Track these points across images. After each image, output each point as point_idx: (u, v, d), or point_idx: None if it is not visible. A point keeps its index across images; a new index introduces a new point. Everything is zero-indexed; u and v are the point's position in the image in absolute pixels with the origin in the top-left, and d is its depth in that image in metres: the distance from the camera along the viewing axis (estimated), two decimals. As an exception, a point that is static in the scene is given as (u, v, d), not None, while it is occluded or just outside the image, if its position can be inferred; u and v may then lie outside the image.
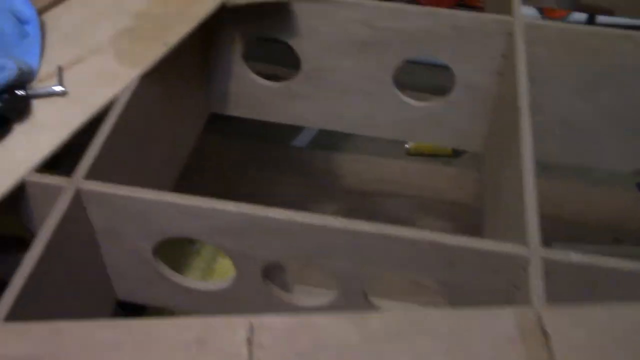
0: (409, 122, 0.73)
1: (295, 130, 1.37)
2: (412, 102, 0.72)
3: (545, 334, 0.37)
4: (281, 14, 0.66)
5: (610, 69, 0.64)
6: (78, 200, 0.48)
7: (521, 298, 0.45)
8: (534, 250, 0.45)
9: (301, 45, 0.68)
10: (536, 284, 0.43)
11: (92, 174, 0.49)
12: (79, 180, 0.48)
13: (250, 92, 0.74)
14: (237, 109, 0.76)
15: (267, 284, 0.54)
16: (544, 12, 1.44)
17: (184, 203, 0.47)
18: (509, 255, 0.45)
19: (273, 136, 1.24)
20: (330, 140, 1.32)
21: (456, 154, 1.35)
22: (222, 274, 0.81)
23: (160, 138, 0.63)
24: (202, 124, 0.75)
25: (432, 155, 1.36)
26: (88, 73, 0.56)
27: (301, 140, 1.39)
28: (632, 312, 0.39)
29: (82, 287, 0.53)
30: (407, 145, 1.33)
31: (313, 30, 0.67)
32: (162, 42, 0.59)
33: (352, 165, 1.20)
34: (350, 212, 1.19)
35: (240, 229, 0.48)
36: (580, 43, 0.63)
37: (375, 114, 0.73)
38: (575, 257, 0.44)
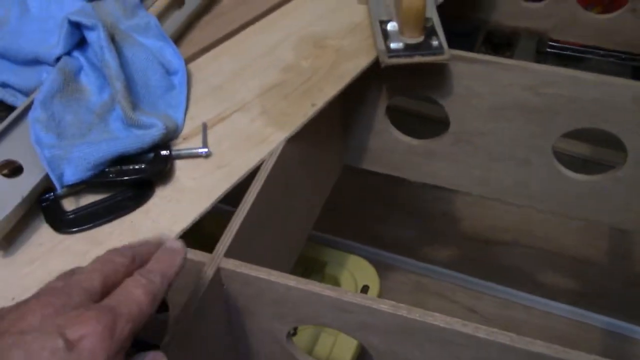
0: (566, 196, 0.65)
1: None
2: (573, 175, 0.64)
3: None
4: (436, 74, 0.60)
5: None
6: (217, 277, 0.45)
7: None
8: None
9: (454, 107, 0.62)
10: None
11: (232, 250, 0.46)
12: (220, 257, 0.45)
13: (388, 148, 0.69)
14: (373, 163, 0.71)
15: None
16: None
17: (335, 296, 0.43)
18: None
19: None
20: None
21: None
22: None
23: (299, 201, 0.59)
24: (335, 178, 0.70)
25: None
26: (233, 133, 0.53)
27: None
28: None
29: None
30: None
31: (470, 92, 0.61)
32: (311, 102, 0.55)
33: (470, 209, 1.13)
34: (468, 260, 1.12)
35: (392, 330, 0.43)
36: None
37: (529, 183, 0.66)
38: None
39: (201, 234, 0.49)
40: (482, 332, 0.40)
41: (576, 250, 1.06)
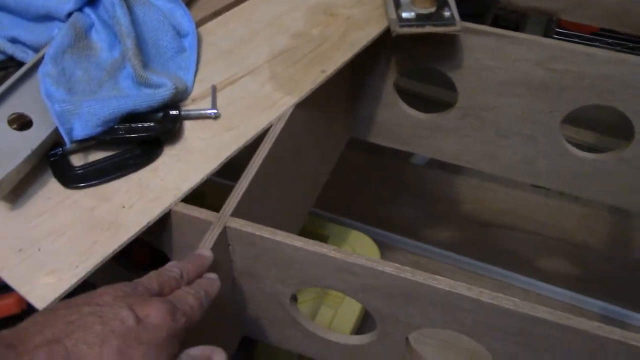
0: (573, 174, 0.65)
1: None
2: (580, 153, 0.64)
3: None
4: (446, 46, 0.60)
5: None
6: (224, 236, 0.45)
7: None
8: None
9: (463, 80, 0.62)
10: None
11: (239, 210, 0.46)
12: (227, 217, 0.45)
13: (396, 121, 0.69)
14: (380, 136, 0.71)
15: (409, 351, 0.48)
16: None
17: (340, 258, 0.43)
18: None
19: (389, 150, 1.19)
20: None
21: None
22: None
23: (305, 167, 0.59)
24: (342, 148, 0.70)
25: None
26: (242, 96, 0.53)
27: (420, 158, 1.33)
28: None
29: (212, 320, 0.50)
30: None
31: (479, 65, 0.61)
32: (320, 69, 0.55)
33: (473, 192, 1.13)
34: (468, 243, 1.12)
35: (396, 293, 0.43)
36: None
37: (536, 160, 0.66)
38: None
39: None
40: (486, 296, 0.41)
41: (576, 236, 1.06)
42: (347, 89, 0.67)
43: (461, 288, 0.41)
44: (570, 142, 0.64)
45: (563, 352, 0.41)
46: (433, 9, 0.57)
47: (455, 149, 0.69)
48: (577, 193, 0.67)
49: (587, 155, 0.64)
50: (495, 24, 1.26)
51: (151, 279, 0.39)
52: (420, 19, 0.56)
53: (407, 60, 0.64)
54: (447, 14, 0.56)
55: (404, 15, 0.56)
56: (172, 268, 0.41)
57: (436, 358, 0.79)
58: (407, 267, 0.42)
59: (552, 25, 1.23)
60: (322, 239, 0.90)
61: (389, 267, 0.42)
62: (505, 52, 0.59)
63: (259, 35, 0.58)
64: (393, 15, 0.56)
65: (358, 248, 0.89)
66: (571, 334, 0.40)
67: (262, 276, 0.48)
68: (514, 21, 1.26)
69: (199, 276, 0.42)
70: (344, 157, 0.71)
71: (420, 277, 0.42)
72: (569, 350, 0.41)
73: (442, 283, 0.41)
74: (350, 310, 0.80)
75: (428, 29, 0.55)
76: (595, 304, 1.04)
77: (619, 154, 0.62)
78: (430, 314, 0.43)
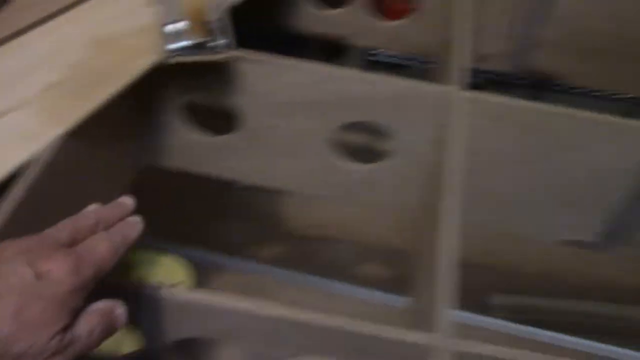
0: (345, 185, 0.72)
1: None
2: (348, 165, 0.71)
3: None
4: (224, 73, 0.64)
5: (546, 144, 0.65)
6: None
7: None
8: (441, 340, 0.44)
9: (243, 104, 0.67)
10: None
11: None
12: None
13: (186, 146, 0.72)
14: (172, 161, 0.74)
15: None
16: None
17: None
18: (415, 344, 0.44)
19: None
20: None
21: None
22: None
23: (85, 196, 0.60)
24: (132, 177, 0.72)
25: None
26: (6, 130, 0.53)
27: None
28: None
29: None
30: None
31: (254, 90, 0.66)
32: (91, 98, 0.56)
33: (295, 208, 1.18)
34: (290, 257, 1.17)
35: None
36: (518, 118, 0.64)
37: (311, 174, 0.72)
38: (483, 348, 0.44)
39: None
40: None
41: (387, 240, 1.15)
42: (134, 117, 0.69)
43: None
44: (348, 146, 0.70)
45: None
46: (207, 39, 0.60)
47: (243, 169, 0.73)
48: (352, 202, 0.74)
49: (354, 166, 0.71)
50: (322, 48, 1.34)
51: (62, 229, 0.38)
52: (193, 47, 0.59)
53: (190, 88, 0.67)
54: (219, 42, 0.60)
55: (177, 45, 0.59)
56: (88, 214, 0.40)
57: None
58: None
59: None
60: (131, 265, 0.90)
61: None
62: (277, 77, 0.64)
63: (36, 65, 0.59)
64: (166, 46, 0.59)
65: (171, 272, 0.90)
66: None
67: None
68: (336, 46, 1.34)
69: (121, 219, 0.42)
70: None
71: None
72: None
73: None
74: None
75: (198, 57, 0.59)
76: (404, 301, 1.12)
77: (382, 164, 0.70)
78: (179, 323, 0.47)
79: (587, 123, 0.64)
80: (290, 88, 0.65)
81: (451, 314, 0.45)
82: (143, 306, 0.45)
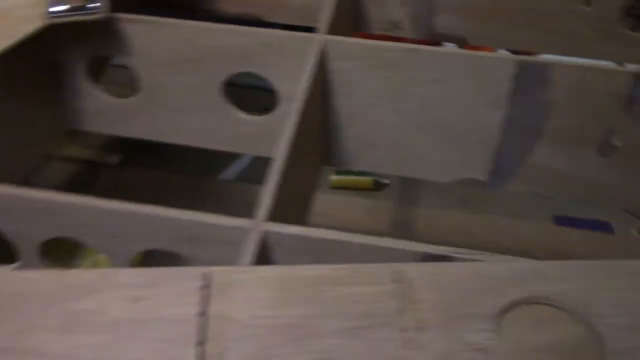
0: (245, 136, 0.78)
1: (225, 163, 1.42)
2: (244, 116, 0.77)
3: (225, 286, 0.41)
4: (113, 35, 0.72)
5: (406, 81, 0.70)
6: None
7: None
8: (255, 223, 0.49)
9: (135, 64, 0.74)
10: (247, 250, 0.47)
11: None
12: None
13: (100, 109, 0.80)
14: (92, 125, 0.82)
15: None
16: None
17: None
18: (235, 227, 0.49)
19: (202, 169, 1.28)
20: (259, 174, 1.36)
21: (377, 187, 1.40)
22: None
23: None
24: (55, 138, 0.80)
25: (354, 189, 1.40)
26: None
27: (229, 174, 1.44)
28: (308, 271, 0.42)
29: None
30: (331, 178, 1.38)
31: (144, 49, 0.73)
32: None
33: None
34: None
35: (6, 210, 0.53)
36: (377, 57, 0.69)
37: (213, 128, 0.78)
38: (294, 229, 0.49)
39: None
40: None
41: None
42: (47, 85, 0.77)
43: (55, 196, 0.51)
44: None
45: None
46: (86, 3, 0.69)
47: (152, 128, 0.80)
48: (252, 152, 0.80)
49: (250, 117, 0.77)
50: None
51: None
52: (71, 10, 0.68)
53: (87, 51, 0.75)
54: (95, 5, 0.68)
55: (58, 7, 0.68)
56: None
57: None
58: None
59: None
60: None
61: None
62: (158, 35, 0.72)
63: None
64: (47, 8, 0.68)
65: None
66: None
67: None
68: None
69: None
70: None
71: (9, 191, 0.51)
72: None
73: (35, 194, 0.51)
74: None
75: (74, 18, 0.67)
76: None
77: (273, 113, 0.76)
78: (39, 225, 0.53)
79: (444, 57, 0.68)
80: (171, 45, 0.72)
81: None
82: None
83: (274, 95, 0.74)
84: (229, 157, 1.16)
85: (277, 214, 0.51)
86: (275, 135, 0.77)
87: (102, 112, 0.80)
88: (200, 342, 0.37)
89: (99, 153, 1.04)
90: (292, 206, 0.60)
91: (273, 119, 0.76)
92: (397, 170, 0.78)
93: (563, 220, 1.09)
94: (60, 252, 0.87)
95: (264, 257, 0.48)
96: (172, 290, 0.40)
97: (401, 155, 0.77)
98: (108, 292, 0.39)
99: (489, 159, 0.76)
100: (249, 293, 0.40)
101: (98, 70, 0.80)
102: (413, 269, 0.41)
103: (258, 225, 0.49)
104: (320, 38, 0.69)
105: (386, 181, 1.07)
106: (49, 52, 0.74)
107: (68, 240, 0.56)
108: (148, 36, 0.72)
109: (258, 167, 1.30)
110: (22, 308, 0.38)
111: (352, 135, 0.75)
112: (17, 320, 0.37)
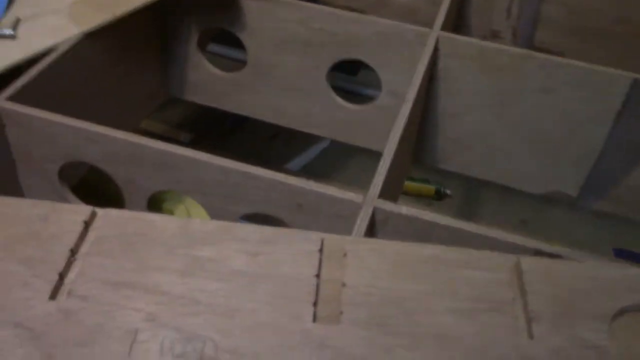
0: (343, 123, 0.79)
1: (292, 153, 1.44)
2: (345, 103, 0.78)
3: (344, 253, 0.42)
4: (230, 8, 0.75)
5: (514, 86, 0.70)
6: (-1, 118, 0.57)
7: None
8: (368, 199, 0.50)
9: (247, 39, 0.77)
10: (359, 223, 0.48)
11: (17, 97, 0.57)
12: (2, 100, 0.56)
13: (204, 80, 0.82)
14: (193, 95, 0.84)
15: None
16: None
17: (82, 127, 0.55)
18: (347, 201, 0.50)
19: (270, 157, 1.30)
20: (323, 169, 1.37)
21: (439, 197, 1.39)
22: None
23: (101, 94, 0.71)
24: (156, 103, 0.83)
25: (416, 195, 1.40)
26: (41, 26, 0.65)
27: (295, 165, 1.46)
28: (421, 249, 0.43)
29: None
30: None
31: (257, 26, 0.75)
32: (111, 11, 0.68)
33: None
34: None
35: (127, 157, 0.55)
36: (489, 59, 0.69)
37: (312, 112, 0.80)
38: (405, 209, 0.49)
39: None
40: (190, 152, 0.53)
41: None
42: (156, 51, 0.80)
43: (172, 148, 0.53)
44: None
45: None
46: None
47: (252, 104, 0.82)
48: (346, 140, 0.81)
49: (352, 105, 0.78)
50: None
51: None
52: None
53: (203, 23, 0.78)
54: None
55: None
56: None
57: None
58: (132, 133, 0.54)
59: None
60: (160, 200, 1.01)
61: (120, 134, 0.54)
62: (274, 14, 0.74)
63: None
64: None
65: (191, 209, 1.00)
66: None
67: (33, 154, 0.59)
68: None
69: None
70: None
71: (141, 140, 0.54)
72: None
73: (159, 145, 0.54)
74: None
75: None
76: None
77: (373, 104, 0.76)
78: (153, 175, 0.55)
79: (558, 67, 0.68)
80: (286, 25, 0.74)
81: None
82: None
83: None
84: (296, 149, 1.17)
85: (384, 195, 0.52)
86: (372, 126, 0.78)
87: (206, 83, 0.82)
88: (316, 303, 0.38)
89: (173, 130, 1.07)
90: (391, 192, 0.61)
91: (373, 110, 0.77)
92: (486, 174, 0.78)
93: (623, 254, 1.05)
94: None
95: (369, 233, 0.49)
96: (290, 250, 0.41)
97: (495, 161, 0.76)
98: (228, 244, 0.41)
99: (583, 175, 0.75)
100: (363, 263, 0.41)
101: (204, 43, 0.83)
102: (527, 262, 0.41)
103: (372, 200, 0.50)
104: (435, 34, 0.69)
105: (448, 192, 1.05)
106: (165, 21, 0.77)
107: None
108: (264, 12, 0.73)
109: (322, 161, 1.31)
110: (146, 248, 0.40)
111: (448, 134, 0.75)
112: (141, 258, 0.39)
